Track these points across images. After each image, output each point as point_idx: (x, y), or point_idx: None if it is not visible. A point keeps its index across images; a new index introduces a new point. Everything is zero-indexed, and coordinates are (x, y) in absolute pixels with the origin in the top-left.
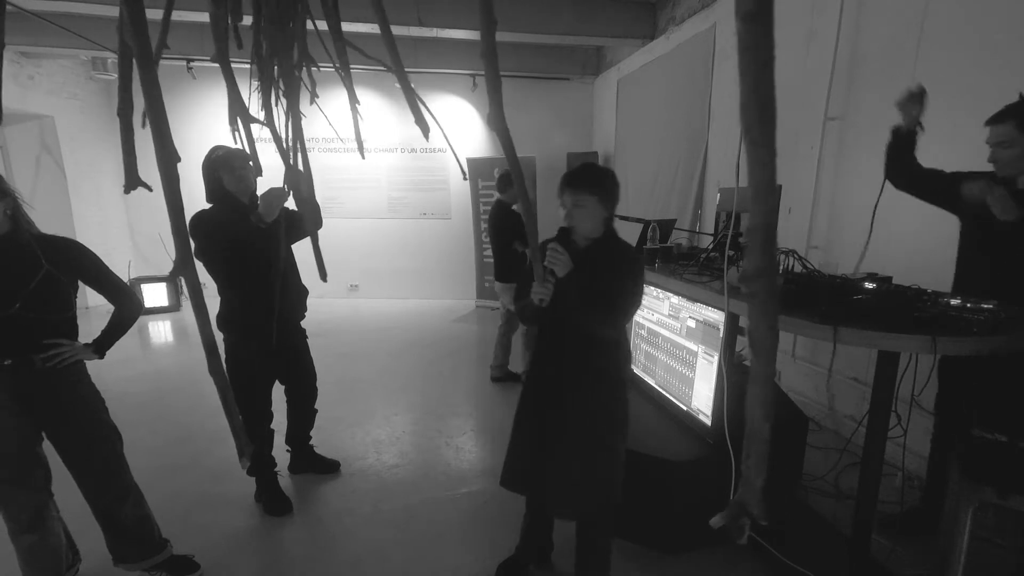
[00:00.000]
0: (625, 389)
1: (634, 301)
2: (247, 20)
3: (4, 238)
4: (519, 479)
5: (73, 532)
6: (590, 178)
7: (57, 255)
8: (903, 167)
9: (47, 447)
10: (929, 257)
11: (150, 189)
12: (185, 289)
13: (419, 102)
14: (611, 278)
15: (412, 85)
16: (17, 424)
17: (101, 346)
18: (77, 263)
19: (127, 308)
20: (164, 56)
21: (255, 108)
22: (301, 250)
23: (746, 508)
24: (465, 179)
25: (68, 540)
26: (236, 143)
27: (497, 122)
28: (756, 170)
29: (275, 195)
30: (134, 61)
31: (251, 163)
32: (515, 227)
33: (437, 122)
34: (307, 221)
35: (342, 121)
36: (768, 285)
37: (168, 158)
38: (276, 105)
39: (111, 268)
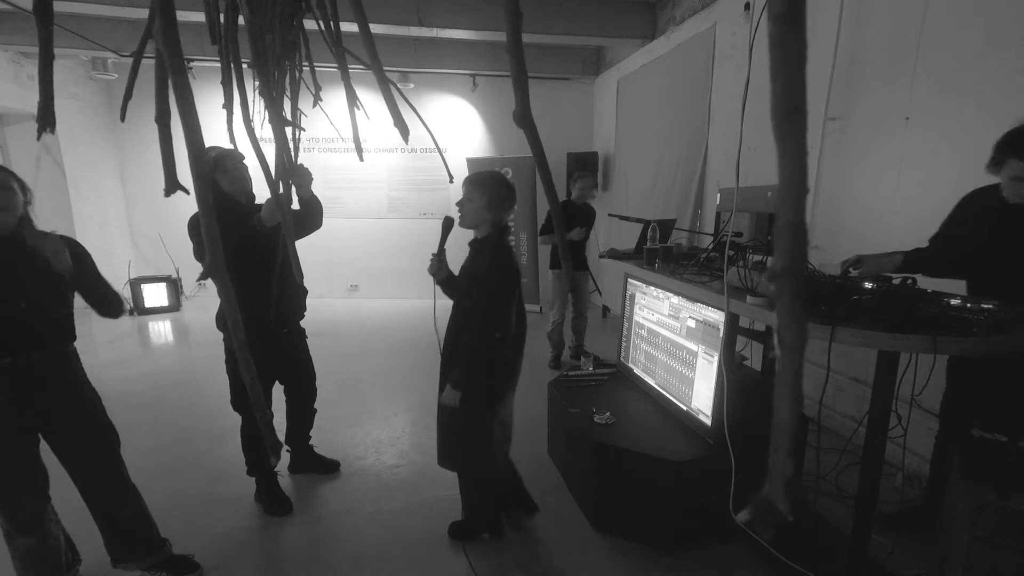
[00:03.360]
0: (496, 374)
1: (489, 319)
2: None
3: (10, 237)
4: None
5: (73, 533)
6: (482, 180)
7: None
8: (933, 270)
9: (46, 451)
10: None
11: (188, 192)
12: (185, 290)
13: (411, 107)
14: (483, 289)
15: (412, 86)
16: (15, 424)
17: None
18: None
19: (108, 310)
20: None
21: (256, 110)
22: (300, 251)
23: (773, 504)
24: (451, 182)
25: (67, 542)
26: (231, 144)
27: (524, 119)
28: (786, 169)
29: (281, 203)
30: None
31: (246, 162)
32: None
33: (429, 129)
34: (308, 218)
35: (343, 121)
36: (796, 283)
37: (201, 164)
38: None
39: (108, 270)
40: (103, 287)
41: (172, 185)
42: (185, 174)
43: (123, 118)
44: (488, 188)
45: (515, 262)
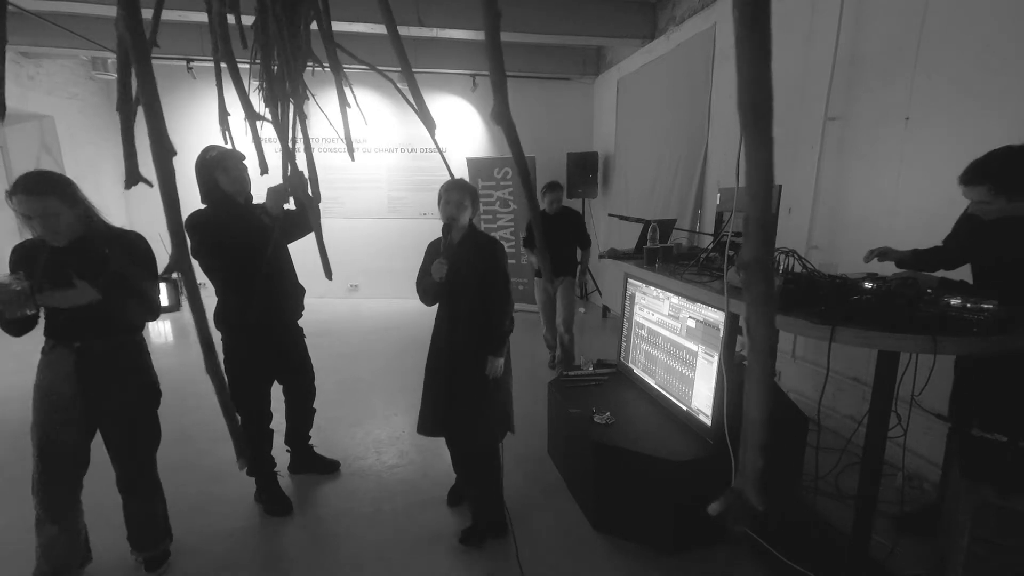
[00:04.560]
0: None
1: (508, 281)
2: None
3: (78, 240)
4: (431, 426)
5: (90, 523)
6: (471, 189)
7: (118, 245)
8: (933, 265)
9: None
10: None
11: (150, 185)
12: (185, 290)
13: (412, 107)
14: (491, 265)
15: (403, 86)
16: (76, 407)
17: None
18: (124, 253)
19: (130, 307)
20: (165, 56)
21: (252, 109)
22: (299, 250)
23: (743, 496)
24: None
25: (85, 538)
26: (226, 143)
27: (502, 116)
28: (752, 166)
29: (281, 191)
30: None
31: (246, 163)
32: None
33: (429, 130)
34: (310, 220)
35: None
36: (763, 275)
37: (164, 154)
38: (279, 105)
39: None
40: (142, 285)
41: (133, 177)
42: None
43: (119, 108)
44: (475, 195)
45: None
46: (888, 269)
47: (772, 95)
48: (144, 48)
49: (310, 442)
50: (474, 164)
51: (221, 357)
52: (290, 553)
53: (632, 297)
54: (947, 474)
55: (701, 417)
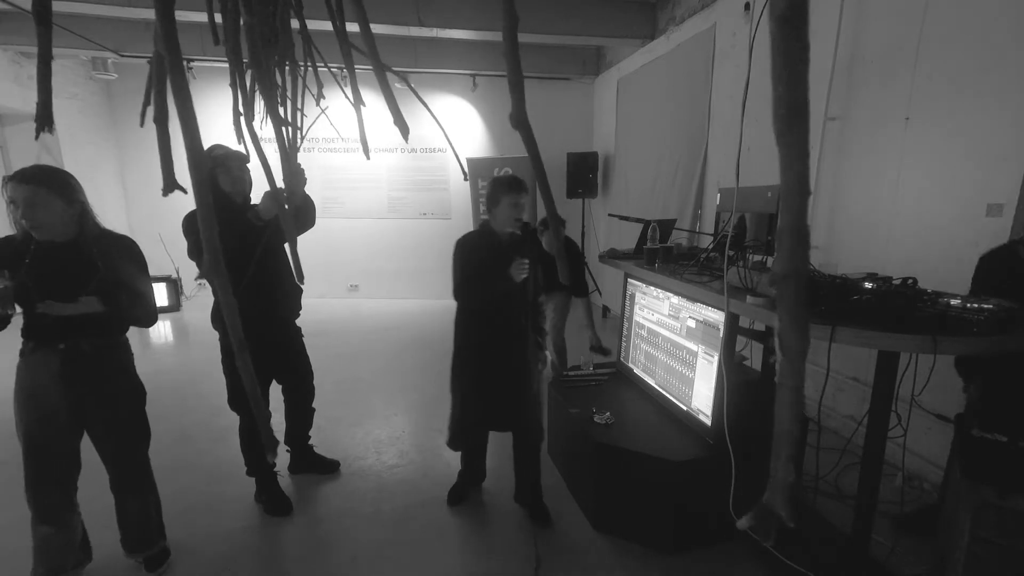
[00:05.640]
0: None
1: None
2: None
3: (70, 242)
4: (467, 435)
5: (88, 526)
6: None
7: (108, 248)
8: None
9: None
10: (930, 257)
11: (185, 191)
12: (185, 290)
13: (422, 104)
14: (547, 264)
15: (413, 86)
16: (62, 411)
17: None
18: (115, 257)
19: (133, 313)
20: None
21: (257, 109)
22: (299, 250)
23: (774, 509)
24: (466, 180)
25: (83, 538)
26: (240, 145)
27: (520, 120)
28: (788, 173)
29: (278, 196)
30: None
31: (248, 166)
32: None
33: (439, 123)
34: (300, 218)
35: (343, 121)
36: (797, 287)
37: (199, 164)
38: (278, 104)
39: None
40: (137, 288)
41: (170, 184)
42: (182, 174)
43: (156, 120)
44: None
45: None
46: (888, 269)
47: (809, 103)
48: (180, 64)
49: (310, 442)
50: (474, 164)
51: (220, 357)
52: (290, 553)
53: (632, 297)
54: (949, 474)
55: (701, 417)
